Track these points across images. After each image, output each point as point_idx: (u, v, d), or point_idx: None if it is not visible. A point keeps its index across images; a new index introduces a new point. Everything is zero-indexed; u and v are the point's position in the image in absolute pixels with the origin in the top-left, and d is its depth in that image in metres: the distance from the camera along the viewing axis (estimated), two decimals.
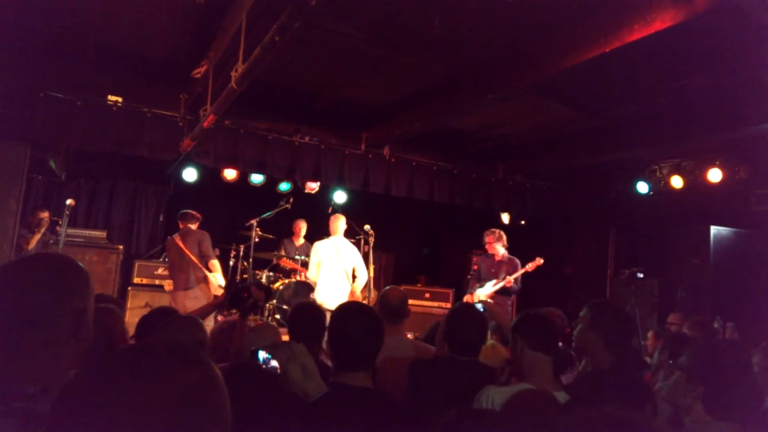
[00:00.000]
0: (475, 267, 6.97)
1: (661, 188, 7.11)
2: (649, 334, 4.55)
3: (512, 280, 6.21)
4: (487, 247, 6.56)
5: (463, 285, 8.86)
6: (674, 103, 5.29)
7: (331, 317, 2.07)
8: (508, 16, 3.81)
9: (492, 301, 6.02)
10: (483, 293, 6.27)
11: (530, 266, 6.34)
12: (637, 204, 7.54)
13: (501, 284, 6.27)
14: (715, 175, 6.54)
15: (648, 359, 4.24)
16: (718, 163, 6.51)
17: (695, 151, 6.64)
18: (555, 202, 8.15)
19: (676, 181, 6.95)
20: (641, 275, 6.48)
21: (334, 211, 7.44)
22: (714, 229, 6.40)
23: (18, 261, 1.43)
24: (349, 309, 2.10)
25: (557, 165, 7.48)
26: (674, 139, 5.91)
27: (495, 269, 6.42)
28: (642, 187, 7.27)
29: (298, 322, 2.84)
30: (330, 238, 6.39)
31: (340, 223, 6.48)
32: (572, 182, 8.03)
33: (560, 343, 2.67)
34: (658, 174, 7.21)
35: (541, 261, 6.31)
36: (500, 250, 6.45)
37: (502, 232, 6.55)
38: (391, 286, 3.52)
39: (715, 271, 6.24)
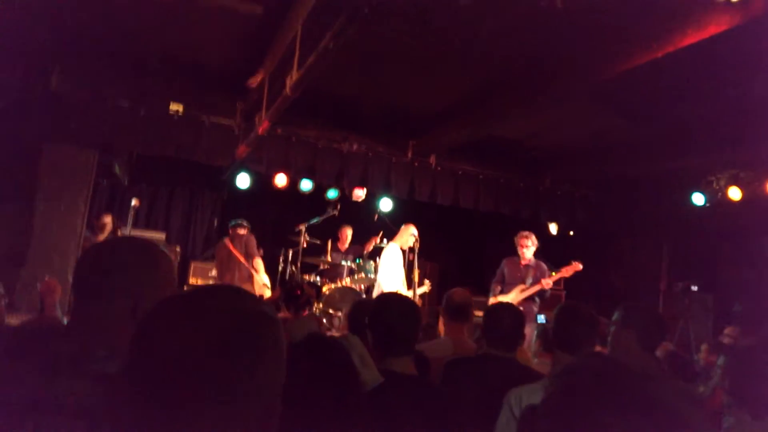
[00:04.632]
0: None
1: (718, 200, 6.86)
2: (703, 347, 4.40)
3: (551, 283, 5.93)
4: (518, 247, 6.24)
5: None
6: (731, 111, 5.13)
7: (372, 308, 2.17)
8: (557, 21, 3.82)
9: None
10: (510, 299, 5.82)
11: (567, 270, 6.05)
12: (692, 216, 7.30)
13: (533, 290, 5.95)
14: None
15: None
16: None
17: (754, 162, 6.39)
18: (606, 213, 7.97)
19: (734, 193, 6.69)
20: (695, 288, 6.26)
21: (380, 219, 7.55)
22: None
23: (105, 242, 1.58)
24: (385, 298, 2.21)
25: (607, 175, 7.34)
26: (731, 148, 5.72)
27: (521, 274, 6.13)
28: (698, 199, 7.03)
29: (358, 317, 2.93)
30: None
31: None
32: (624, 193, 7.84)
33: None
34: (714, 185, 6.96)
35: (580, 266, 6.02)
36: (528, 254, 6.18)
37: (534, 237, 6.27)
38: (457, 287, 3.50)
39: None
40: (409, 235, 6.49)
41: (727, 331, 4.69)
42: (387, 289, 6.34)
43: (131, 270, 1.39)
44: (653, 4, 3.55)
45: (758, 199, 6.44)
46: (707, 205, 6.95)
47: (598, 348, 2.57)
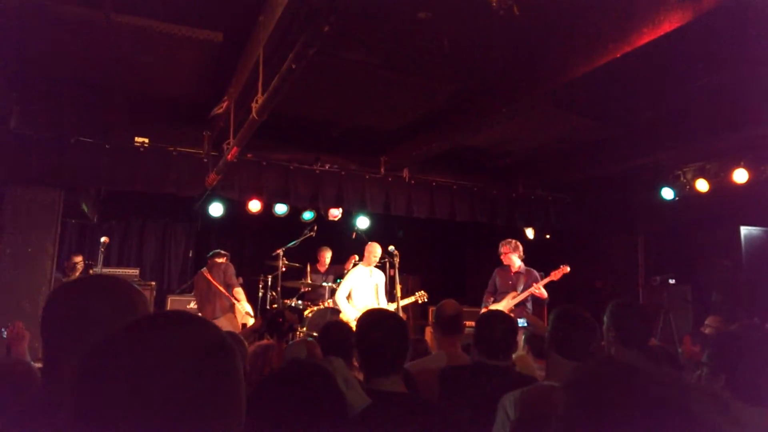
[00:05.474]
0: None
1: (686, 193, 7.02)
2: (685, 339, 4.45)
3: (541, 288, 6.00)
4: (502, 257, 6.33)
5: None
6: (692, 105, 5.27)
7: (356, 326, 2.12)
8: (517, 29, 3.88)
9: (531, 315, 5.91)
10: (502, 307, 5.91)
11: (555, 274, 6.14)
12: (664, 210, 7.45)
13: (524, 295, 6.03)
14: (740, 175, 6.43)
15: None
16: (742, 163, 6.42)
17: (718, 153, 6.57)
18: (579, 214, 8.09)
19: (702, 185, 6.85)
20: (673, 281, 6.36)
21: (358, 237, 7.53)
22: (744, 229, 6.29)
23: (73, 281, 1.50)
24: (370, 316, 2.15)
25: (578, 176, 7.45)
26: (695, 141, 5.86)
27: (512, 281, 6.20)
28: (667, 193, 7.19)
29: (328, 340, 2.89)
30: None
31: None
32: (595, 193, 7.97)
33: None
34: (682, 179, 7.12)
35: (567, 269, 6.13)
36: (516, 261, 6.24)
37: (518, 243, 6.35)
38: (446, 299, 3.43)
39: (748, 272, 6.10)
40: (370, 254, 6.55)
41: (708, 320, 4.76)
42: (344, 309, 6.42)
43: (103, 309, 1.33)
44: (608, 6, 3.64)
45: (725, 189, 6.60)
46: (677, 198, 7.11)
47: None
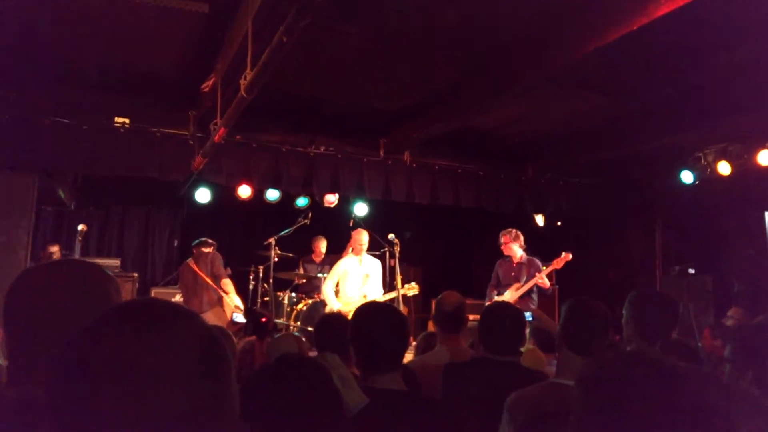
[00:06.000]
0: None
1: (707, 176, 6.99)
2: (705, 332, 4.46)
3: (544, 277, 6.06)
4: (503, 248, 6.40)
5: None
6: (713, 82, 5.23)
7: (352, 321, 2.12)
8: (526, 1, 3.85)
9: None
10: (506, 299, 6.00)
11: (558, 262, 6.20)
12: (683, 195, 7.43)
13: (528, 286, 6.09)
14: (765, 157, 6.42)
15: None
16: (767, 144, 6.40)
17: (742, 134, 6.54)
18: (593, 200, 8.08)
19: (723, 168, 6.83)
20: (692, 271, 6.36)
21: (356, 225, 7.52)
22: None
23: (44, 265, 1.47)
24: (367, 310, 2.15)
25: (591, 159, 7.42)
26: (717, 121, 5.83)
27: (515, 273, 6.28)
28: (686, 177, 7.16)
29: (323, 334, 2.90)
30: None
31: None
32: (610, 177, 7.95)
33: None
34: (702, 161, 7.09)
35: (569, 256, 6.20)
36: (518, 251, 6.32)
37: (518, 232, 6.42)
38: (447, 291, 3.38)
39: None
40: (356, 242, 6.55)
41: (730, 312, 4.77)
42: (330, 302, 6.42)
43: (72, 296, 1.28)
44: None
45: (749, 172, 6.58)
46: (697, 182, 7.09)
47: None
